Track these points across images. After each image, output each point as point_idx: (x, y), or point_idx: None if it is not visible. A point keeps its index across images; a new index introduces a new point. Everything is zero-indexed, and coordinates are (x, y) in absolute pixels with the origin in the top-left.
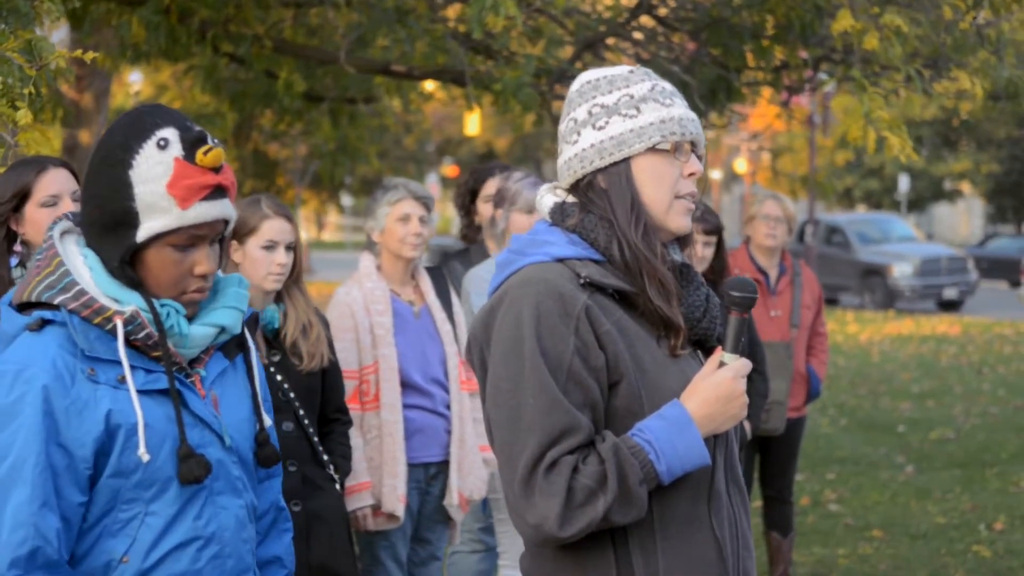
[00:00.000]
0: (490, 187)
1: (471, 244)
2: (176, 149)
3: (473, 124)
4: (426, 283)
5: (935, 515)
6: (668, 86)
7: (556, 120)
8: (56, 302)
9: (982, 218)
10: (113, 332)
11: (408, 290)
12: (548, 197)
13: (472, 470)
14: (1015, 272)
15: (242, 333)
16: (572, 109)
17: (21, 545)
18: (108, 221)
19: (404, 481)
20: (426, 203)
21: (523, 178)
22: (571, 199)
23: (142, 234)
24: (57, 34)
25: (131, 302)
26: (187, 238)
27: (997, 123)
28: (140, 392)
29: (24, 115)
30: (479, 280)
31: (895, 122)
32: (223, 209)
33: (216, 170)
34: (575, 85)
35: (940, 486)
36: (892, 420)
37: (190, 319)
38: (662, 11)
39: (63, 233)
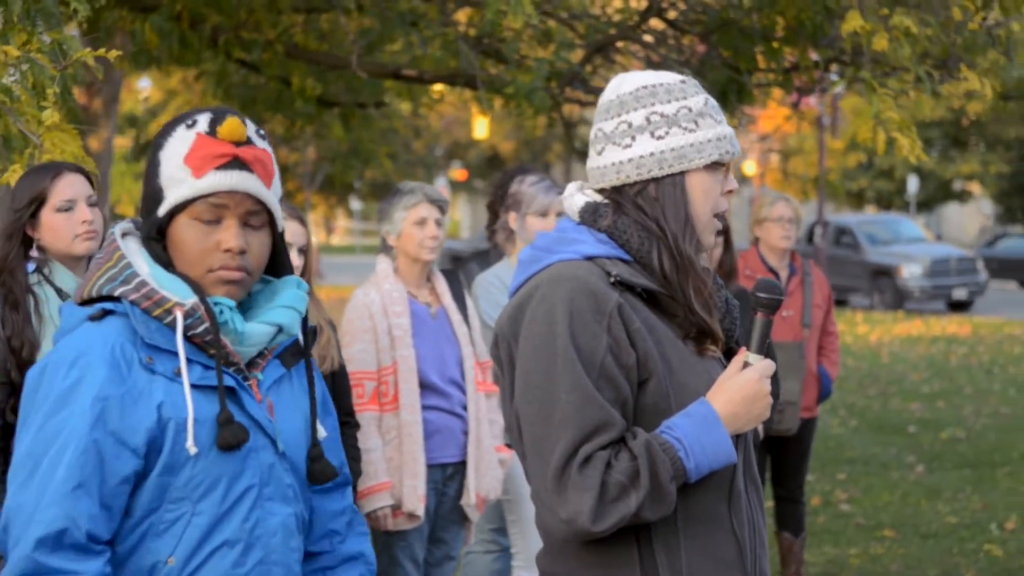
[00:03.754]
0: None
1: (493, 247)
2: (202, 127)
3: (481, 128)
4: (442, 285)
5: (946, 515)
6: (714, 101)
7: (567, 123)
8: (117, 293)
9: (991, 219)
10: (172, 325)
11: (425, 292)
12: (578, 197)
13: (488, 470)
14: None
15: (304, 343)
16: (625, 112)
17: (50, 524)
18: (147, 207)
19: (424, 481)
20: (441, 206)
21: (537, 181)
22: (602, 200)
23: (163, 208)
24: None
25: (187, 295)
26: (208, 210)
27: (1006, 123)
28: (194, 387)
29: (50, 115)
30: (487, 284)
31: (905, 123)
32: (240, 180)
33: (237, 144)
34: (627, 87)
35: (951, 486)
36: (902, 420)
37: (243, 315)
38: (671, 14)
39: (124, 234)
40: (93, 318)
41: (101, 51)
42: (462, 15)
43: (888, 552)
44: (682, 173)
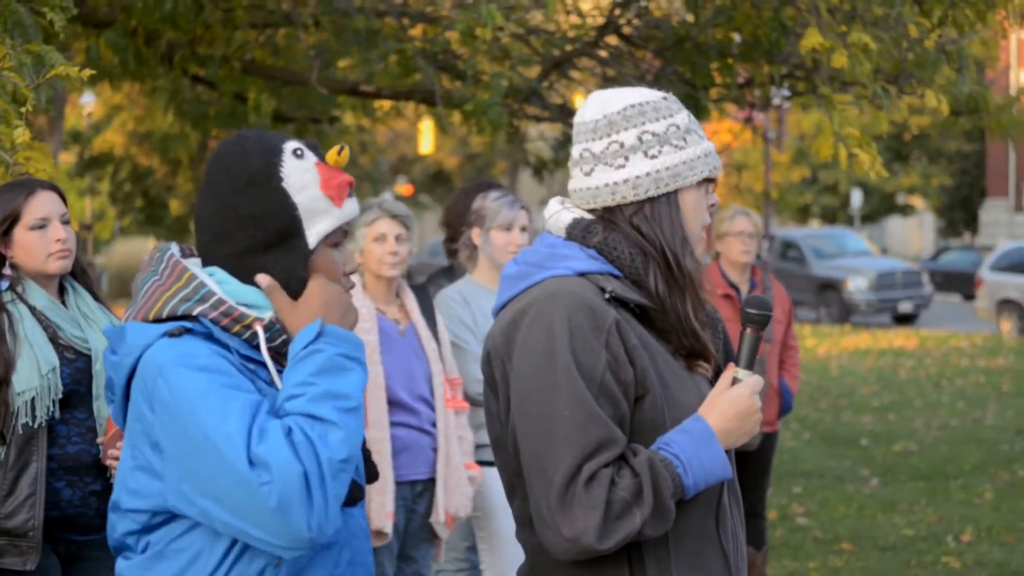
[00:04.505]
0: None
1: (456, 263)
2: (311, 156)
3: (427, 143)
4: (411, 301)
5: (902, 527)
6: (693, 116)
7: (523, 139)
8: (195, 312)
9: (934, 232)
10: (251, 339)
11: (393, 308)
12: (565, 214)
13: (458, 487)
14: (968, 285)
15: None
16: (615, 131)
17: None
18: (274, 238)
19: (392, 498)
20: (404, 221)
21: (500, 196)
22: (589, 216)
23: (312, 239)
24: None
25: (265, 308)
26: (340, 236)
27: (948, 137)
28: None
29: (21, 133)
30: (449, 301)
31: (864, 139)
32: (357, 205)
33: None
34: (614, 106)
35: (905, 498)
36: (854, 433)
37: None
38: (627, 29)
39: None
40: (172, 334)
41: (75, 69)
42: (417, 31)
43: (847, 565)
44: (676, 191)
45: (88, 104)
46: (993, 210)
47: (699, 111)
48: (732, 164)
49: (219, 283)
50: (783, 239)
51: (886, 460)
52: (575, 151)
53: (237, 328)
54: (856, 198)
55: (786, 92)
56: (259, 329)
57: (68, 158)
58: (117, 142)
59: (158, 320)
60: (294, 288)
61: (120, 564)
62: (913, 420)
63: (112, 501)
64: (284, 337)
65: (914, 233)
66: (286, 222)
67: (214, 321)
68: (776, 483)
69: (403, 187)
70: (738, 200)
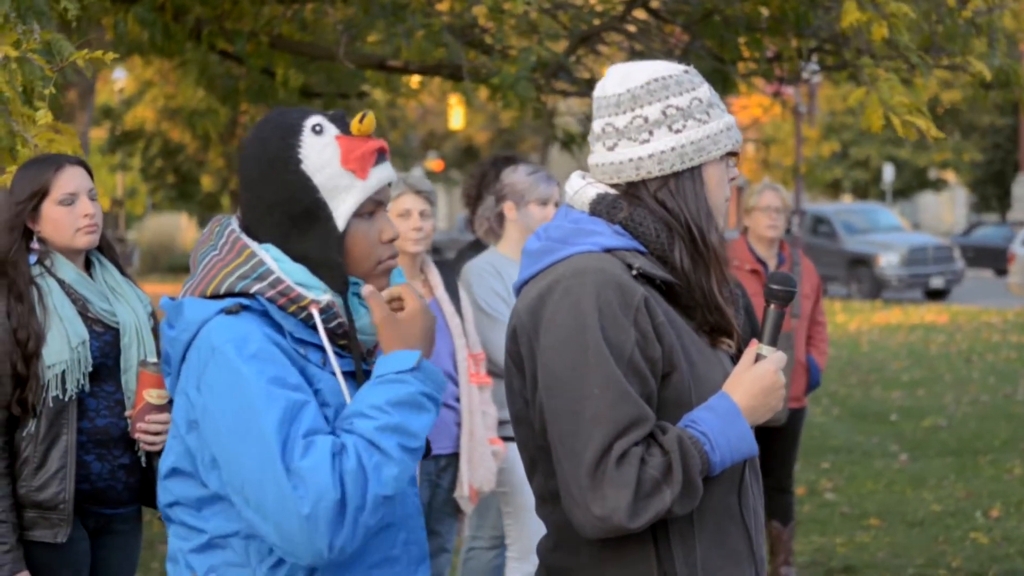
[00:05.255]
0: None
1: (481, 237)
2: (331, 129)
3: (457, 118)
4: (435, 277)
5: (930, 503)
6: (712, 89)
7: (552, 114)
8: (253, 291)
9: (966, 207)
10: (307, 320)
11: (417, 284)
12: (589, 189)
13: (482, 462)
14: (1001, 260)
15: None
16: (639, 106)
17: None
18: (302, 224)
19: (417, 473)
20: (427, 197)
21: (533, 171)
22: (612, 192)
23: (341, 221)
24: None
25: (321, 290)
26: (370, 206)
27: (980, 111)
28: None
29: (44, 115)
30: (479, 271)
31: (915, 106)
32: (390, 171)
33: (374, 136)
34: (636, 80)
35: (934, 474)
36: (884, 409)
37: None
38: (654, 3)
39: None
40: (229, 311)
41: (99, 53)
42: (444, 5)
43: (874, 540)
44: (700, 165)
45: (120, 80)
46: None
47: (728, 85)
48: (762, 139)
49: (275, 260)
50: (814, 214)
51: (915, 435)
52: (596, 125)
53: (293, 308)
54: (888, 173)
55: (815, 66)
56: (315, 311)
57: (100, 134)
58: (148, 118)
59: (215, 296)
60: (335, 276)
61: (173, 543)
62: (943, 395)
63: (159, 470)
64: (340, 320)
65: (946, 208)
66: (309, 206)
67: (271, 300)
68: (804, 458)
69: (433, 162)
70: (767, 175)
